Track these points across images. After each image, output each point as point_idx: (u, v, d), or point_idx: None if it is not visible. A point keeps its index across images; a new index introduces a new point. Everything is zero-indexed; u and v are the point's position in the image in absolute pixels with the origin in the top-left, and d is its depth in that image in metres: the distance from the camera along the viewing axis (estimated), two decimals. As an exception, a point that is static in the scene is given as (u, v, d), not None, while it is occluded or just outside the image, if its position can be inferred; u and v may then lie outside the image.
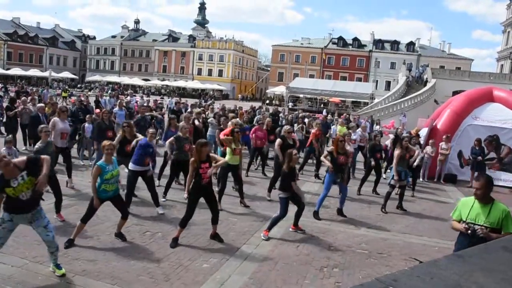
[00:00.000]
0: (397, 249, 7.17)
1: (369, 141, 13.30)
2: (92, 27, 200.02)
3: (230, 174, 9.11)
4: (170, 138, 9.26)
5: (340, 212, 8.85)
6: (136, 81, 72.61)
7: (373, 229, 8.22)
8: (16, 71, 63.95)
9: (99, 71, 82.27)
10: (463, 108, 14.69)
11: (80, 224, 6.26)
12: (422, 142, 14.26)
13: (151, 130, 8.55)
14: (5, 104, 15.49)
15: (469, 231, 4.50)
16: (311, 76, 66.64)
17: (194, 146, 9.28)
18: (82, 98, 20.48)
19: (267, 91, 72.75)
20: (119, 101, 17.62)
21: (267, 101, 59.86)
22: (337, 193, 10.14)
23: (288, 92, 51.33)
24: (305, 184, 11.76)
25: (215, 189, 9.57)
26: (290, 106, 44.69)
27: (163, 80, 75.35)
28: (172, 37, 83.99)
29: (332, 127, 16.25)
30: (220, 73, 78.26)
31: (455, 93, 30.27)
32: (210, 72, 78.58)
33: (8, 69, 65.39)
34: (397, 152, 9.80)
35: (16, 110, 13.34)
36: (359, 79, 67.13)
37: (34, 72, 64.90)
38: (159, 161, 10.78)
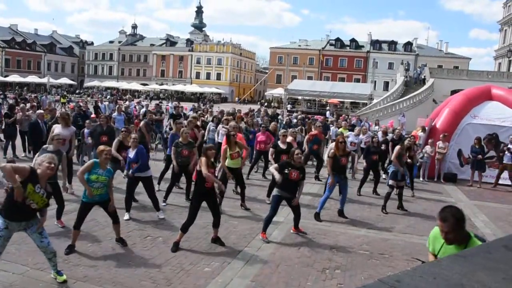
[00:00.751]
0: (398, 250, 7.16)
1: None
2: (89, 32, 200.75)
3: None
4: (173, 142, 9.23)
5: (341, 213, 8.85)
6: (135, 86, 72.66)
7: (374, 230, 8.21)
8: (14, 78, 63.94)
9: (98, 76, 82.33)
10: (462, 107, 14.71)
11: (74, 231, 6.24)
12: (421, 141, 14.29)
13: (133, 135, 8.43)
14: (4, 111, 15.50)
15: None
16: (309, 78, 66.69)
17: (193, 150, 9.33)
18: (81, 104, 20.49)
19: (265, 93, 72.81)
20: (117, 106, 17.62)
21: (265, 104, 59.85)
22: (338, 194, 10.16)
23: (287, 94, 51.33)
24: (305, 185, 11.72)
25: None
26: (288, 108, 44.68)
27: (162, 84, 75.49)
28: (170, 41, 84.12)
29: (331, 128, 16.23)
30: (219, 76, 78.36)
31: (453, 92, 30.30)
32: (208, 76, 78.70)
33: (6, 76, 65.43)
34: (397, 147, 9.87)
35: (15, 117, 13.33)
36: (357, 80, 67.31)
37: (32, 78, 64.94)
38: (160, 165, 10.73)
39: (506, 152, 12.86)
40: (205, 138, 12.59)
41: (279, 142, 10.29)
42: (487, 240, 3.98)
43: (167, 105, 29.79)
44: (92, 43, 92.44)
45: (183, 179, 9.47)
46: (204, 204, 6.73)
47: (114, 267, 5.78)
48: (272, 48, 78.00)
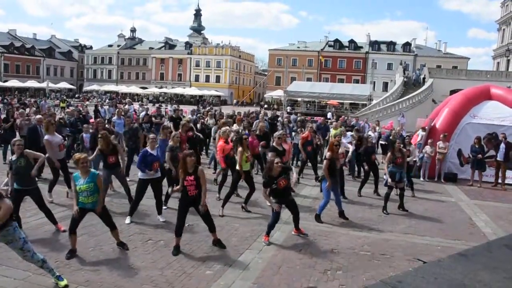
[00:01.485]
0: (400, 250, 7.16)
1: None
2: (88, 36, 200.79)
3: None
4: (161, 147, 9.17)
5: (341, 214, 8.84)
6: (134, 89, 72.74)
7: (375, 231, 8.21)
8: (13, 83, 64.05)
9: (97, 80, 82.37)
10: (461, 106, 14.72)
11: (70, 235, 6.23)
12: (421, 141, 14.30)
13: (151, 136, 8.51)
14: (3, 116, 15.48)
15: None
16: (309, 79, 66.79)
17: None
18: (80, 108, 20.48)
19: (265, 95, 72.84)
20: (117, 110, 17.62)
21: (265, 106, 59.89)
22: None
23: (286, 96, 51.38)
24: (305, 188, 11.75)
25: (216, 195, 9.63)
26: (288, 110, 44.67)
27: (161, 87, 75.58)
28: (169, 45, 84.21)
29: (332, 130, 16.23)
30: (218, 79, 78.41)
31: (452, 92, 30.29)
32: (207, 78, 78.75)
33: (5, 81, 65.49)
34: (388, 154, 9.97)
35: (12, 121, 13.32)
36: (357, 81, 67.39)
37: (31, 83, 65.02)
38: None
39: (501, 149, 12.88)
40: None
41: (274, 144, 10.27)
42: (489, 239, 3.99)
43: (166, 108, 29.74)
44: (91, 47, 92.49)
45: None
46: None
47: (116, 271, 5.78)
48: (271, 50, 78.09)
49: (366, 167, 11.22)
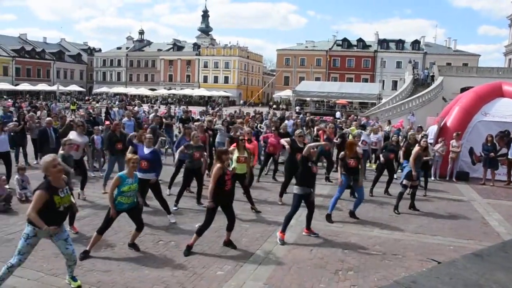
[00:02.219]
0: (412, 250, 7.10)
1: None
2: (97, 39, 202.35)
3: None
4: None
5: (352, 214, 8.80)
6: (143, 91, 73.14)
7: (387, 230, 8.16)
8: (24, 86, 64.77)
9: (106, 82, 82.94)
10: (472, 104, 14.58)
11: (96, 235, 6.27)
12: (431, 141, 14.19)
13: (147, 135, 8.56)
14: (15, 119, 15.66)
15: None
16: (317, 79, 66.59)
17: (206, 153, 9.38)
18: (91, 111, 20.64)
19: (273, 95, 72.82)
20: (127, 111, 17.73)
21: (274, 106, 59.89)
22: (348, 195, 10.12)
23: (295, 95, 51.34)
24: (316, 187, 11.69)
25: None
26: (297, 110, 44.63)
27: (170, 89, 75.88)
28: (177, 46, 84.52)
29: (345, 129, 16.16)
30: (226, 79, 78.54)
31: (463, 90, 30.06)
32: (216, 79, 78.91)
33: (17, 84, 66.26)
34: (416, 149, 9.74)
35: (22, 124, 13.45)
36: (366, 80, 67.04)
37: (42, 86, 65.71)
38: (170, 170, 10.74)
39: None
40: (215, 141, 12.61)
41: (296, 139, 10.22)
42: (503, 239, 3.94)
43: (174, 110, 29.86)
44: (100, 50, 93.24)
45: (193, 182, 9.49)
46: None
47: (127, 272, 5.80)
48: (279, 50, 78.02)
49: (382, 159, 11.11)
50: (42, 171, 5.04)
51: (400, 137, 13.97)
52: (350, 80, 66.73)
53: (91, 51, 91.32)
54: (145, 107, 30.21)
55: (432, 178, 13.45)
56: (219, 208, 6.69)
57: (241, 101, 71.15)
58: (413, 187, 9.73)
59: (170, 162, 12.64)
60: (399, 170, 12.00)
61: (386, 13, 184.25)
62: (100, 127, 12.90)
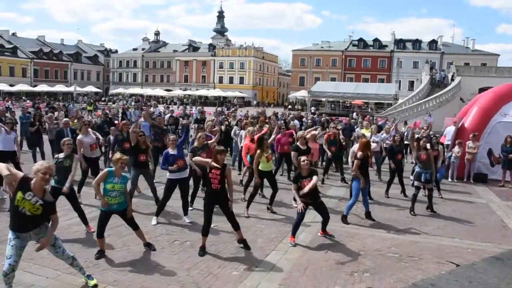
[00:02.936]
0: (428, 252, 7.00)
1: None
2: (113, 40, 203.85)
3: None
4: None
5: (368, 215, 8.73)
6: (159, 92, 73.63)
7: (403, 232, 8.06)
8: (42, 87, 65.81)
9: (122, 83, 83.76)
10: (491, 105, 14.34)
11: (98, 240, 6.32)
12: (449, 142, 14.01)
13: (171, 137, 8.57)
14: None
15: None
16: (333, 79, 66.24)
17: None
18: (107, 111, 20.84)
19: (288, 96, 72.66)
20: (143, 112, 17.87)
21: (289, 106, 59.77)
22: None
23: (310, 96, 51.14)
24: (331, 188, 11.67)
25: (241, 196, 9.65)
26: (312, 110, 44.46)
27: (185, 89, 76.28)
28: (192, 47, 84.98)
29: (356, 129, 16.04)
30: (241, 80, 78.66)
31: (481, 90, 29.58)
32: (231, 80, 79.10)
33: (35, 86, 67.39)
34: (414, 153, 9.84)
35: (37, 125, 13.62)
36: (382, 80, 66.45)
37: (59, 87, 66.60)
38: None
39: None
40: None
41: (298, 143, 10.20)
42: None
43: (190, 110, 30.01)
44: (116, 51, 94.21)
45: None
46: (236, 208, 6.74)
47: (143, 271, 5.85)
48: (294, 50, 77.86)
49: (392, 165, 11.02)
50: (32, 175, 4.77)
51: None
52: (366, 80, 66.24)
53: (107, 52, 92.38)
54: (161, 107, 30.37)
55: (449, 179, 13.28)
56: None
57: (255, 102, 71.08)
58: (427, 189, 9.63)
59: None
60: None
61: (402, 12, 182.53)
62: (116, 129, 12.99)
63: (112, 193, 6.10)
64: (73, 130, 12.24)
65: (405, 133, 15.89)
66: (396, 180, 11.05)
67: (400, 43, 70.67)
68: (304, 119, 19.98)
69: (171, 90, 76.57)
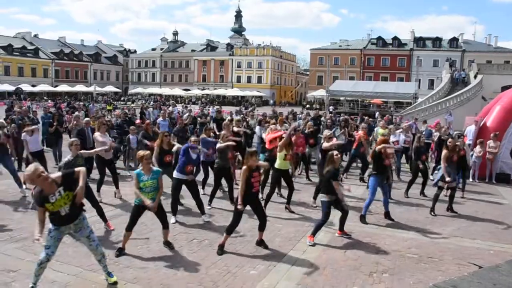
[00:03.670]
0: (449, 253, 6.90)
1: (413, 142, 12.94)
2: (132, 41, 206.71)
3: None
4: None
5: (387, 215, 8.64)
6: (177, 91, 74.18)
7: (423, 233, 7.96)
8: (63, 87, 67.05)
9: (141, 83, 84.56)
10: (515, 104, 14.04)
11: (125, 233, 6.42)
12: (470, 142, 13.77)
13: (193, 138, 8.62)
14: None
15: None
16: (351, 78, 65.62)
17: (235, 153, 9.44)
18: (127, 111, 21.07)
19: (307, 95, 72.36)
20: (162, 111, 18.03)
21: (307, 106, 59.55)
22: (381, 195, 9.93)
23: (329, 95, 50.82)
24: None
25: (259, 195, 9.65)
26: (331, 110, 44.19)
27: (203, 89, 76.60)
28: (210, 46, 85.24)
29: (375, 129, 15.89)
30: (259, 79, 78.59)
31: (504, 88, 28.98)
32: (249, 79, 79.08)
33: (56, 86, 68.70)
34: (443, 152, 9.50)
35: (55, 126, 13.80)
36: (401, 79, 65.54)
37: (80, 87, 67.77)
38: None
39: None
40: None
41: (323, 140, 10.16)
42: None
43: (208, 110, 30.15)
44: (135, 51, 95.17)
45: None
46: (248, 207, 6.74)
47: (162, 269, 5.91)
48: (312, 49, 77.43)
49: (421, 166, 10.82)
50: (29, 183, 4.91)
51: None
52: (385, 79, 65.40)
53: (126, 52, 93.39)
54: (179, 107, 30.62)
55: (471, 179, 13.05)
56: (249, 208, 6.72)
57: (271, 101, 70.92)
58: (450, 188, 9.46)
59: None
60: (436, 171, 11.68)
61: (422, 9, 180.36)
62: (136, 128, 13.14)
63: (146, 189, 6.27)
64: (94, 130, 12.43)
65: (424, 132, 15.66)
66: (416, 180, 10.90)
67: (419, 41, 69.61)
68: (322, 118, 19.85)
69: (189, 90, 77.00)
